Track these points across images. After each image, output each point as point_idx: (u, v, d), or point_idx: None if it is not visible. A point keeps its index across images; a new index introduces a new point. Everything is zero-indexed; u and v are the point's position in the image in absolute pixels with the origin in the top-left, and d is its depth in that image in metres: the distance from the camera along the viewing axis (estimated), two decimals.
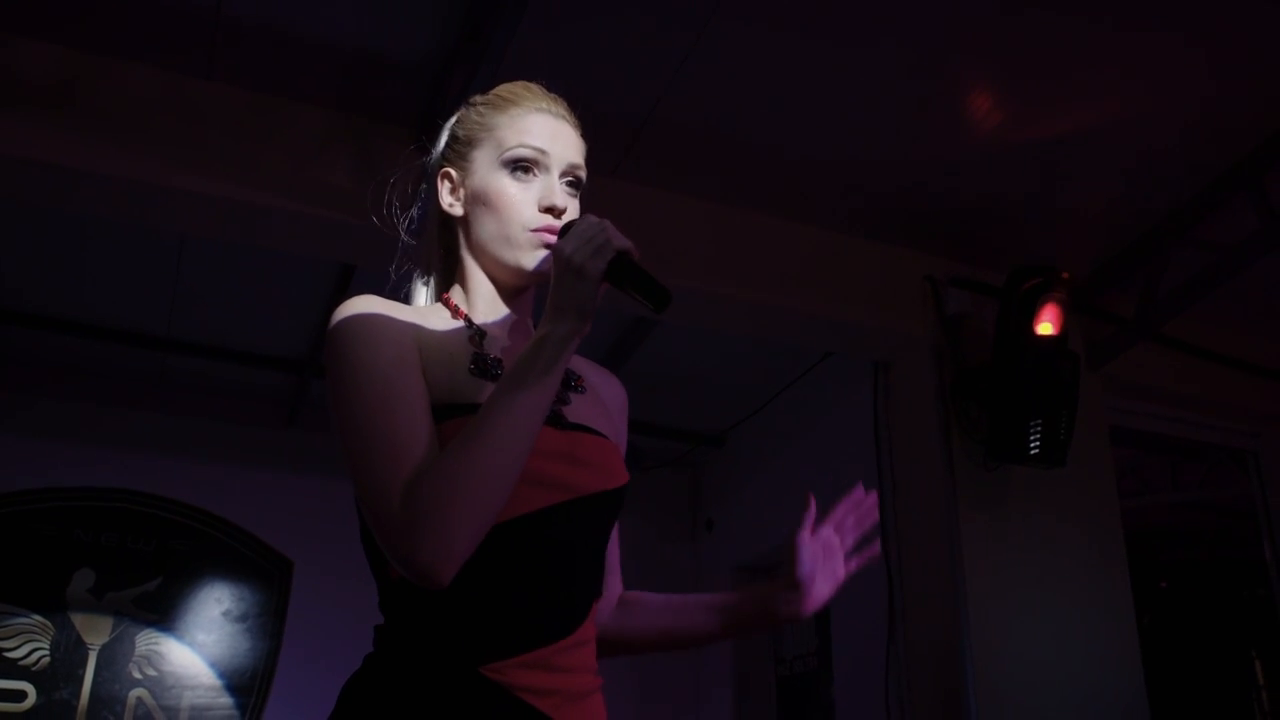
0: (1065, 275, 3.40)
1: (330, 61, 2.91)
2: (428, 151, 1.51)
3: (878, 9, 2.79)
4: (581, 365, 1.47)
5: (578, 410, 1.37)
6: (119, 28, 2.77)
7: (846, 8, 2.78)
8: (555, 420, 1.32)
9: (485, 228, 1.37)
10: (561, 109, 1.42)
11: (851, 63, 2.97)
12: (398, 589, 1.27)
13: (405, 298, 1.48)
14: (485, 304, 1.40)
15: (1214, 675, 6.43)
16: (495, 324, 1.40)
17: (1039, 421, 3.34)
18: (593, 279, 1.20)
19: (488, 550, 1.20)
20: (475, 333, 1.36)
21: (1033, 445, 3.34)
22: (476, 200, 1.38)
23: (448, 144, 1.45)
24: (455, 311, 1.39)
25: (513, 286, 1.40)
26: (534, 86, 1.43)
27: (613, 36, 2.87)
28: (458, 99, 2.78)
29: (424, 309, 1.42)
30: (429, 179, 1.48)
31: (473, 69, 2.74)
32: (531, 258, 1.35)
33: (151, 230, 3.28)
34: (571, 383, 1.40)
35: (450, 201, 1.42)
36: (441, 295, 1.44)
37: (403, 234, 1.52)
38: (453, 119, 1.48)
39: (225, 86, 2.97)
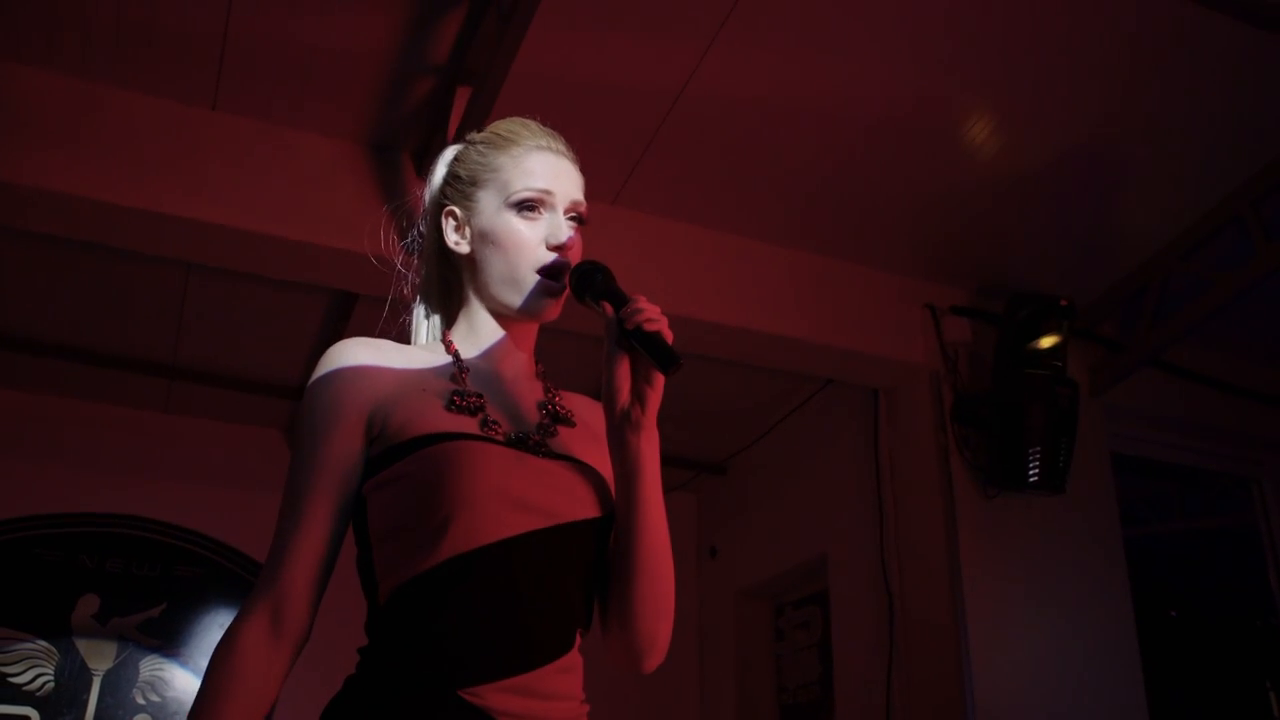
0: (1064, 302, 3.41)
1: (333, 92, 2.96)
2: (424, 184, 1.53)
3: (878, 38, 2.82)
4: (575, 401, 1.49)
5: (565, 442, 1.39)
6: (125, 59, 2.82)
7: (846, 37, 2.81)
8: (538, 449, 1.34)
9: (493, 267, 1.40)
10: (560, 145, 1.45)
11: (851, 91, 3.00)
12: (383, 611, 1.29)
13: (406, 326, 1.51)
14: (487, 339, 1.43)
15: (1227, 707, 6.35)
16: (490, 359, 1.42)
17: (1038, 449, 3.34)
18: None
19: (471, 574, 1.23)
20: (460, 369, 1.39)
21: (1032, 472, 3.34)
22: (484, 240, 1.40)
23: (449, 182, 1.47)
24: (449, 347, 1.43)
25: (516, 323, 1.43)
26: (531, 123, 1.46)
27: (610, 65, 2.90)
28: (460, 130, 2.83)
29: (417, 348, 1.45)
30: (428, 213, 1.51)
31: (474, 101, 2.78)
32: (535, 300, 1.38)
33: (157, 258, 3.32)
34: (560, 414, 1.42)
35: (456, 239, 1.44)
36: (444, 334, 1.47)
37: (398, 261, 1.55)
38: (449, 155, 1.50)
39: (229, 116, 3.01)
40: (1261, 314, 3.85)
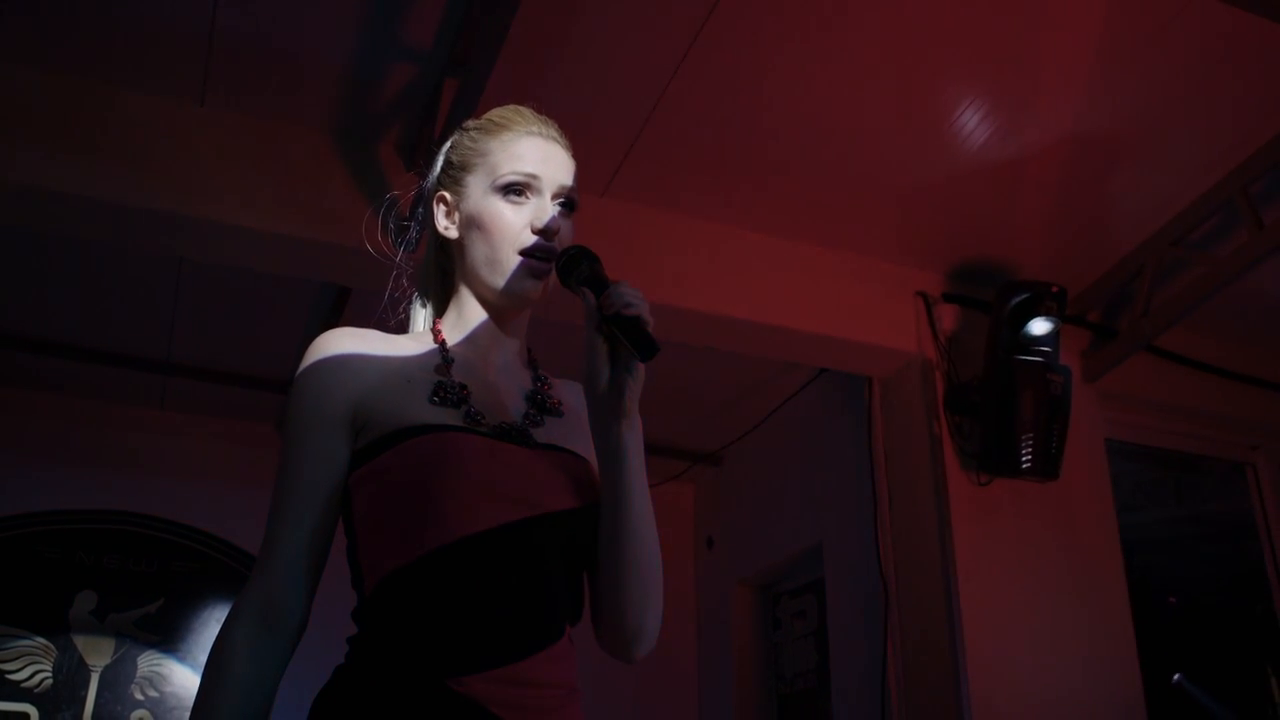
0: (1055, 289, 3.41)
1: (322, 86, 2.95)
2: (424, 176, 1.54)
3: (868, 27, 2.81)
4: (567, 389, 1.49)
5: (551, 432, 1.39)
6: (114, 54, 2.82)
7: (836, 27, 2.81)
8: (523, 439, 1.34)
9: (477, 250, 1.41)
10: (553, 131, 1.46)
11: (841, 80, 2.99)
12: (370, 602, 1.29)
13: (404, 315, 1.53)
14: (475, 326, 1.43)
15: (1228, 692, 6.35)
16: (478, 347, 1.43)
17: (1030, 435, 3.34)
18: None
19: (457, 564, 1.24)
20: (445, 360, 1.39)
21: (1024, 459, 3.34)
22: (470, 224, 1.42)
23: (442, 169, 1.49)
24: (436, 336, 1.43)
25: (503, 309, 1.43)
26: (525, 110, 1.47)
27: (599, 57, 2.90)
28: (447, 123, 2.83)
29: (404, 338, 1.45)
30: (425, 203, 1.52)
31: (462, 93, 2.78)
32: (518, 283, 1.38)
33: (150, 254, 3.32)
34: (547, 404, 1.43)
35: (445, 224, 1.45)
36: (434, 322, 1.47)
37: (398, 257, 1.56)
38: (447, 144, 1.51)
39: (219, 112, 3.01)
40: (1254, 298, 3.85)
